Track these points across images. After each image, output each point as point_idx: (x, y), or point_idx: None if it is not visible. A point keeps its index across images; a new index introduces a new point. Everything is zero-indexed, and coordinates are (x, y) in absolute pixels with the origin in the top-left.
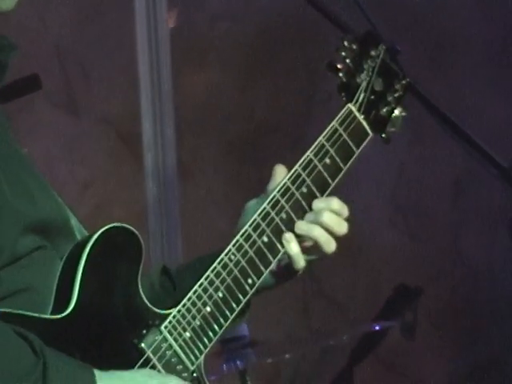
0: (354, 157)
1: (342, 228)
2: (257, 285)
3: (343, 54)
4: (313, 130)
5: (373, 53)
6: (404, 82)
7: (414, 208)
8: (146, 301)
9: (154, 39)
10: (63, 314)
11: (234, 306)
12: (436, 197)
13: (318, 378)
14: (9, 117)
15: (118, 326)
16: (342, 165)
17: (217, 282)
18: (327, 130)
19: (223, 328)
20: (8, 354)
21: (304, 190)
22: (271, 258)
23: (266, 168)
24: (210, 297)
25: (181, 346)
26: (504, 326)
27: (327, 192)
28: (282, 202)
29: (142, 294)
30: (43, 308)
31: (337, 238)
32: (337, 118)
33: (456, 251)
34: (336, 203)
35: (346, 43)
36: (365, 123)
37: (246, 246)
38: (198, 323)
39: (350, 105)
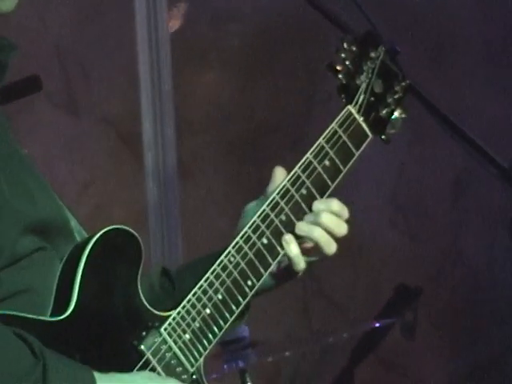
0: (354, 159)
1: (341, 229)
2: (256, 287)
3: (343, 55)
4: (313, 130)
5: (372, 54)
6: (404, 83)
7: (414, 208)
8: (146, 303)
9: (154, 39)
10: (63, 316)
11: (234, 308)
12: (436, 197)
13: (318, 378)
14: (9, 117)
15: (118, 328)
16: (341, 167)
17: (216, 284)
18: (327, 131)
19: (223, 330)
20: (7, 355)
21: (303, 191)
22: (271, 260)
23: (266, 168)
24: (210, 299)
25: (180, 348)
26: (504, 326)
27: (327, 194)
28: (282, 203)
29: (141, 295)
30: (43, 309)
31: (337, 239)
32: (336, 119)
33: (456, 251)
34: (336, 204)
35: (345, 45)
36: (364, 125)
37: (246, 248)
38: (198, 325)
39: (349, 106)
